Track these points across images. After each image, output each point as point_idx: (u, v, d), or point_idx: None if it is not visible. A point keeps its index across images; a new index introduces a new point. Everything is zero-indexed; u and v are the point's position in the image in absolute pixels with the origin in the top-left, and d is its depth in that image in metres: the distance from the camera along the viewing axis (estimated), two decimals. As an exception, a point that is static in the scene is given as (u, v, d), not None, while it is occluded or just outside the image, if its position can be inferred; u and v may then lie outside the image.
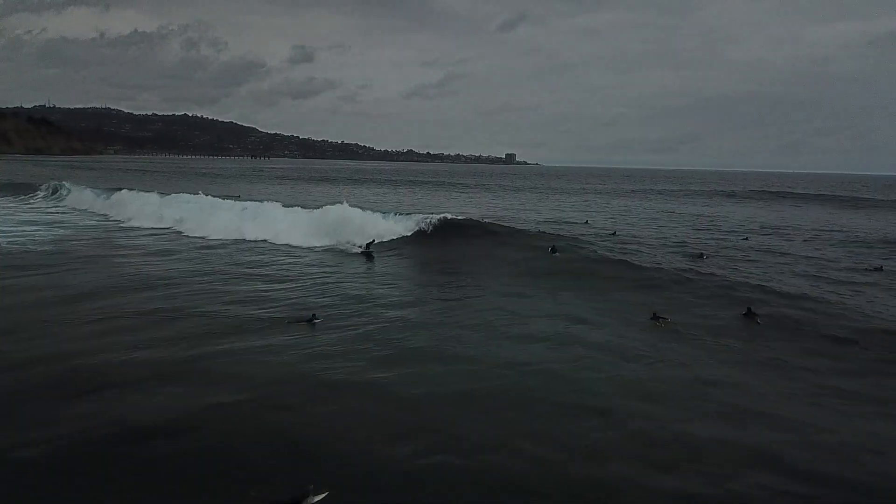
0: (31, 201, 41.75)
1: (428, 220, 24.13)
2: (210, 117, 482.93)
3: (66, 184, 44.86)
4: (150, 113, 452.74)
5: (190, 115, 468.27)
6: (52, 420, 7.72)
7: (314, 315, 12.31)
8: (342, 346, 10.81)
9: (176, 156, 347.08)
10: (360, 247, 22.15)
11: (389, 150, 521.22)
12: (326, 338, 11.27)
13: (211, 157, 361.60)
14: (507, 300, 14.79)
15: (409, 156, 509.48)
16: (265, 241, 23.70)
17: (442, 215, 24.41)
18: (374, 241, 22.47)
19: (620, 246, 23.12)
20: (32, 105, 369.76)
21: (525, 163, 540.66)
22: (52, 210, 36.08)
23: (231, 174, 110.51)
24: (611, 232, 28.05)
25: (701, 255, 21.40)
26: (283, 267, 18.68)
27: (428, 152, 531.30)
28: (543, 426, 7.90)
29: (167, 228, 26.84)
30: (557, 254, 20.52)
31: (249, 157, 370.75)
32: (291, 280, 16.69)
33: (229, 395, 8.52)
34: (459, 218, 24.96)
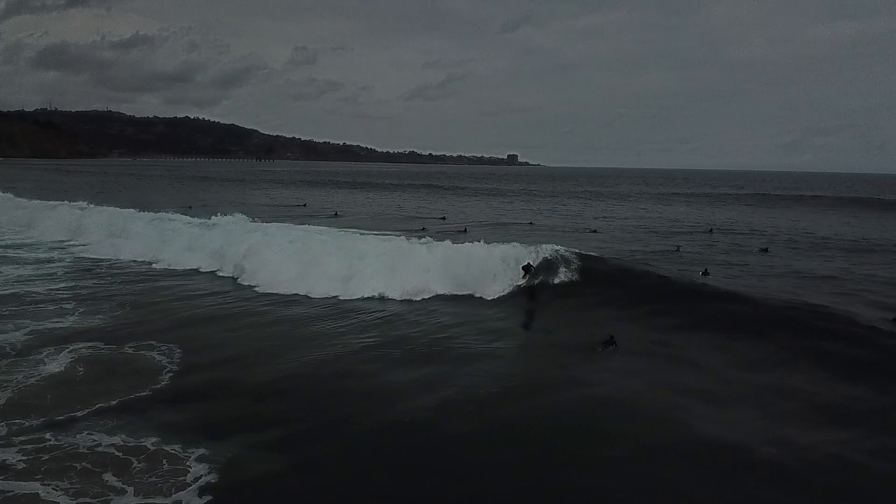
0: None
1: (555, 253, 18.62)
2: (211, 119, 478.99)
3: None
4: (151, 116, 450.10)
5: (191, 117, 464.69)
6: None
7: (612, 337, 12.52)
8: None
9: (179, 158, 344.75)
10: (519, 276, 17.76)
11: (392, 151, 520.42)
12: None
13: (214, 159, 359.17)
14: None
15: (412, 157, 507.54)
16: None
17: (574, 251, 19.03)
18: (530, 266, 17.86)
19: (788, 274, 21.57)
20: (34, 108, 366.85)
21: (527, 163, 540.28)
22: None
23: (248, 178, 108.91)
24: (762, 248, 26.71)
25: None
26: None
27: (430, 153, 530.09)
28: None
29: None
30: (709, 275, 19.41)
31: (253, 160, 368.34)
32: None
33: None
34: (614, 258, 20.51)
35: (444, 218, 39.62)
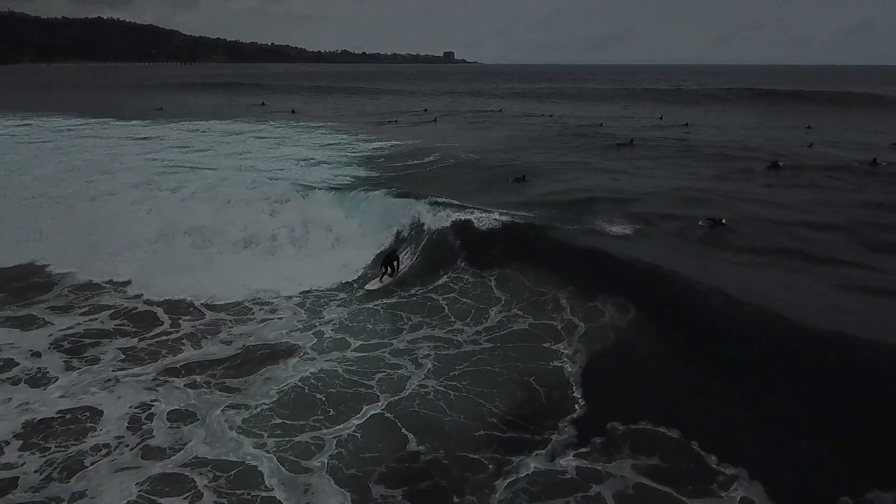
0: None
1: None
2: (126, 20, 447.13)
3: None
4: (59, 17, 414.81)
5: (104, 17, 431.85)
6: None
7: None
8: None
9: (99, 63, 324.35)
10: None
11: (323, 51, 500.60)
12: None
13: (138, 63, 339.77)
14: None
15: (345, 56, 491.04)
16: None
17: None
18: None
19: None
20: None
21: (464, 61, 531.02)
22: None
23: (193, 83, 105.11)
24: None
25: None
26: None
27: (363, 52, 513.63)
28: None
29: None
30: (525, 180, 20.14)
31: (178, 64, 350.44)
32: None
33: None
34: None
35: (426, 110, 45.17)
